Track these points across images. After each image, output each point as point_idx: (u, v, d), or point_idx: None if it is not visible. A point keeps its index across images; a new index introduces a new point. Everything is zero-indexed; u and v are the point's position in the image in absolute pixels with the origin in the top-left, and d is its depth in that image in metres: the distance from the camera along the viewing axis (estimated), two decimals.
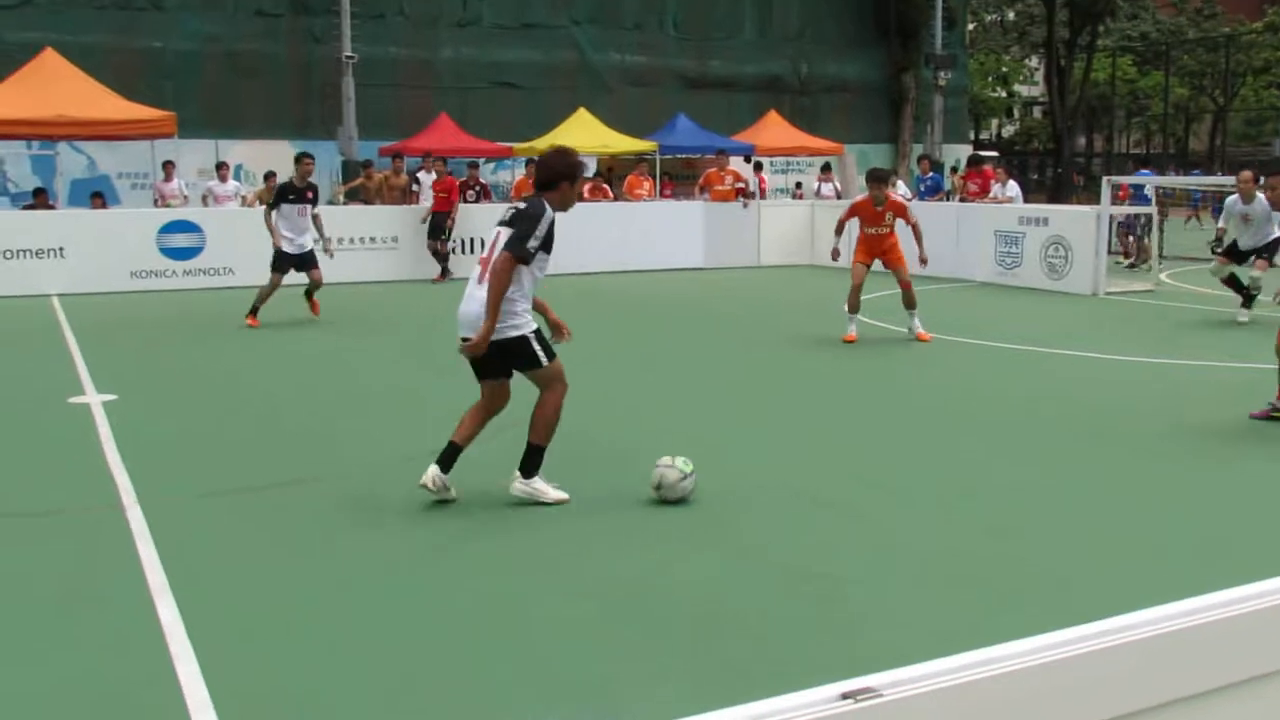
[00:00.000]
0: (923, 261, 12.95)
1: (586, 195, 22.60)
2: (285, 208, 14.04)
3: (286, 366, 11.42)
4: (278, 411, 9.18)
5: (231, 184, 21.31)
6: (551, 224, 6.21)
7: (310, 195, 14.17)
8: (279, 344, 12.76)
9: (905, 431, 8.24)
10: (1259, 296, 13.80)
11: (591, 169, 25.67)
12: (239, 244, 18.16)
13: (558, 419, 6.44)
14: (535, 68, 32.31)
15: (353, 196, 22.01)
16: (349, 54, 25.45)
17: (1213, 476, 7.01)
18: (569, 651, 4.43)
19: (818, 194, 25.88)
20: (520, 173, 19.90)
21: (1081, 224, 17.41)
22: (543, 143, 26.62)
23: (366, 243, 19.25)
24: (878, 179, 12.98)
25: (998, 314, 15.20)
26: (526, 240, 6.12)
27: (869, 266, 12.80)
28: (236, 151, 27.78)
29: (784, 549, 5.62)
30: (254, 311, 13.95)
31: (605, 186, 22.65)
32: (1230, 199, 14.49)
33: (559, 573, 5.32)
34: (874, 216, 12.82)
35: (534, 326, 6.37)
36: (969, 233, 19.22)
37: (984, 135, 68.24)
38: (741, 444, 7.85)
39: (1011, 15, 63.95)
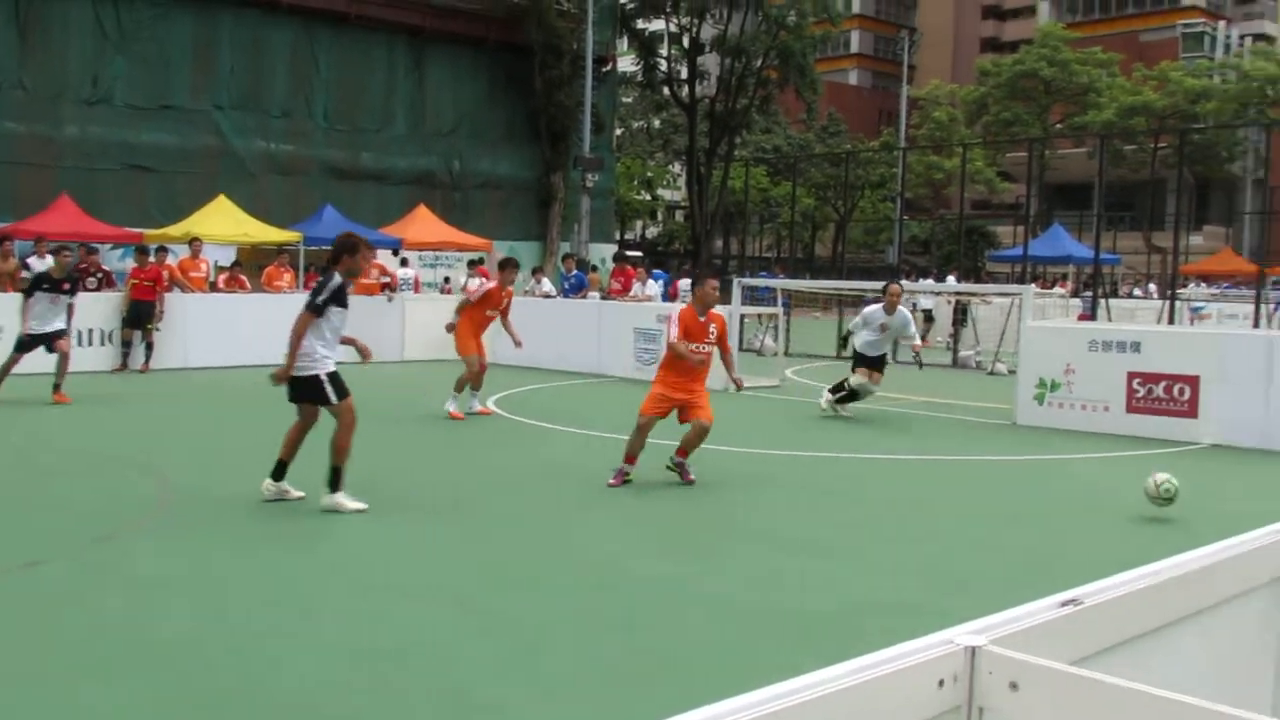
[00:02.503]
0: (519, 344, 14.01)
1: (221, 285, 21.68)
2: (39, 294, 14.31)
3: None
4: None
5: None
6: (339, 287, 8.23)
7: (66, 287, 14.53)
8: None
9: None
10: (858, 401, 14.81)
11: (230, 257, 24.68)
12: None
13: (349, 445, 8.20)
14: (171, 151, 30.97)
15: None
16: None
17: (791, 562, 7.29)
18: None
19: (465, 289, 25.89)
20: (153, 260, 18.77)
21: None
22: (178, 229, 25.43)
23: None
24: (515, 265, 14.30)
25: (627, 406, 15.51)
26: (314, 298, 8.14)
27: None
28: None
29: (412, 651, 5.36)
30: None
31: (242, 277, 21.77)
32: (873, 308, 15.02)
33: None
34: (499, 300, 13.98)
35: (330, 369, 8.16)
36: (610, 329, 19.70)
37: (629, 236, 70.93)
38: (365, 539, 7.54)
39: (657, 123, 67.22)
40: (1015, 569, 7.33)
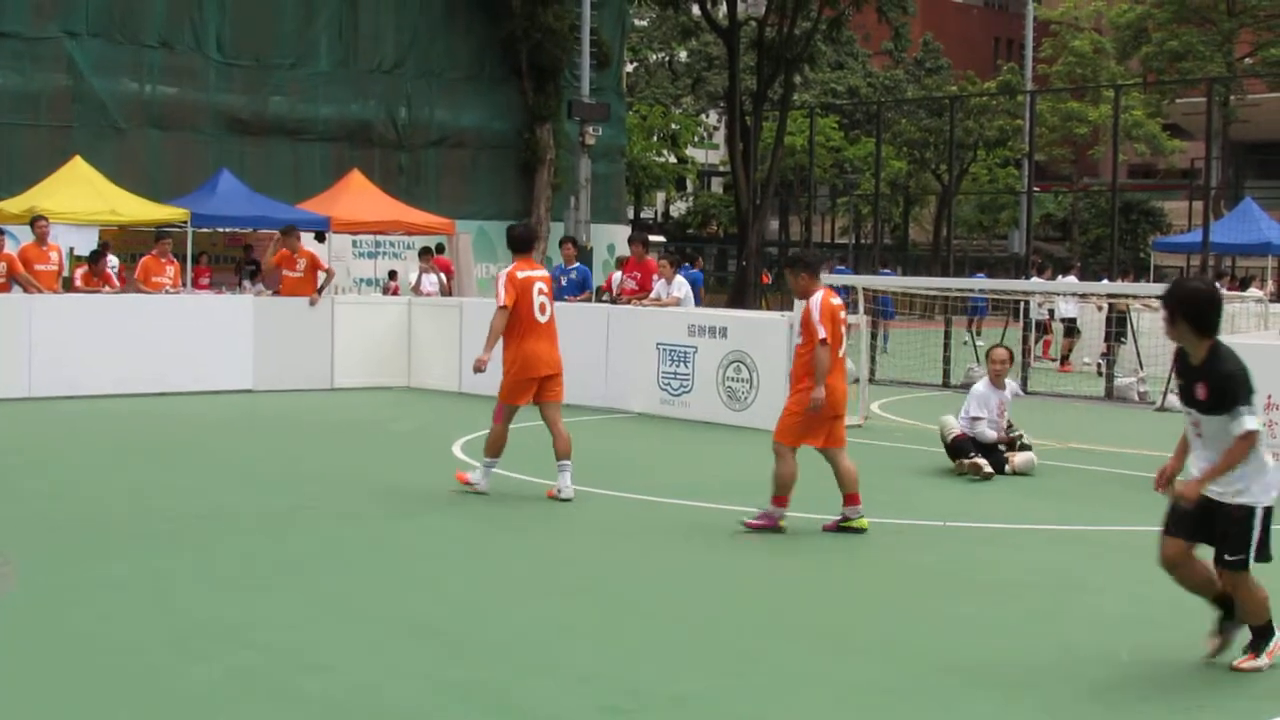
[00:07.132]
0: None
1: (80, 283, 21.72)
2: None
3: None
4: None
5: None
6: None
7: None
8: None
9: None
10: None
11: (91, 243, 24.73)
12: None
13: None
14: (7, 95, 31.08)
15: None
16: None
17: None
18: None
19: (416, 289, 25.88)
20: None
21: (770, 336, 18.00)
22: (17, 204, 25.50)
23: None
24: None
25: (650, 456, 15.48)
26: None
27: None
28: None
29: None
30: None
31: (109, 272, 21.87)
32: (980, 384, 14.95)
33: None
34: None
35: None
36: (623, 346, 19.47)
37: (646, 213, 70.92)
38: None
39: (684, 56, 66.95)
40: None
